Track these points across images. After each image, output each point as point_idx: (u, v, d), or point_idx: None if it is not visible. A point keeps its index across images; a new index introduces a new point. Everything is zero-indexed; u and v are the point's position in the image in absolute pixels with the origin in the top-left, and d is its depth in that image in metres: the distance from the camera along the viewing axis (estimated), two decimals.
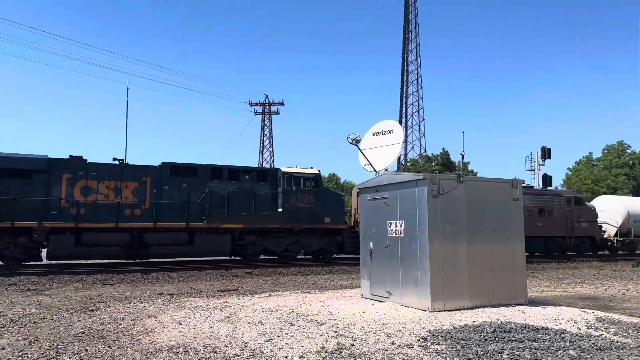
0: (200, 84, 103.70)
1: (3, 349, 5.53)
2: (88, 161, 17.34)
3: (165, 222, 17.63)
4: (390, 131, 10.18)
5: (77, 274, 14.62)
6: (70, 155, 17.30)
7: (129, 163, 18.17)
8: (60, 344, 5.77)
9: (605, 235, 27.43)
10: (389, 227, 8.60)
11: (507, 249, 8.53)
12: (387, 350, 5.45)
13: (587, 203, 27.56)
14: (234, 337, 6.06)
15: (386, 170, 9.92)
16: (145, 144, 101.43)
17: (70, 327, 6.82)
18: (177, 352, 5.38)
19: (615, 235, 27.64)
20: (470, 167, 44.32)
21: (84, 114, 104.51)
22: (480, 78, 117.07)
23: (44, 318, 7.50)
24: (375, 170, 10.06)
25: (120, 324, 7.00)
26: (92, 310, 8.30)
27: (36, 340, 5.98)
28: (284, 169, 20.02)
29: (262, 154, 57.90)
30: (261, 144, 58.24)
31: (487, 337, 5.89)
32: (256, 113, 58.14)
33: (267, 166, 55.29)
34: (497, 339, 5.85)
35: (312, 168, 20.71)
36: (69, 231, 16.36)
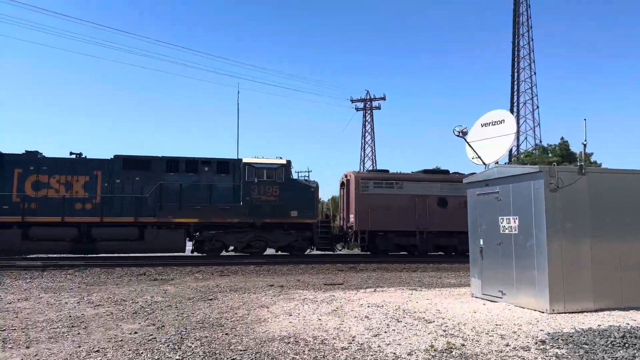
0: (300, 82, 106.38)
1: (135, 332, 6.13)
2: (43, 156, 17.53)
3: (114, 217, 17.20)
4: (501, 121, 9.64)
5: (197, 265, 15.76)
6: (25, 150, 17.52)
7: (86, 157, 18.00)
8: (184, 330, 6.27)
9: None
10: (501, 223, 8.17)
11: (638, 247, 7.70)
12: (501, 352, 5.19)
13: None
14: (342, 331, 6.15)
15: (496, 163, 9.42)
16: (256, 143, 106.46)
17: (192, 314, 7.38)
18: (289, 342, 5.58)
19: None
20: (593, 158, 40.55)
21: (202, 118, 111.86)
22: (604, 57, 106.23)
23: (169, 306, 8.20)
24: (484, 163, 9.59)
25: (236, 313, 7.44)
26: (211, 299, 8.90)
27: (163, 326, 6.55)
28: (245, 160, 18.66)
29: (364, 150, 57.93)
30: (362, 140, 58.30)
31: (614, 343, 5.37)
32: (357, 109, 58.30)
33: (368, 163, 55.06)
34: (626, 345, 5.32)
35: (280, 158, 18.95)
36: (15, 225, 16.45)
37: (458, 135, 9.68)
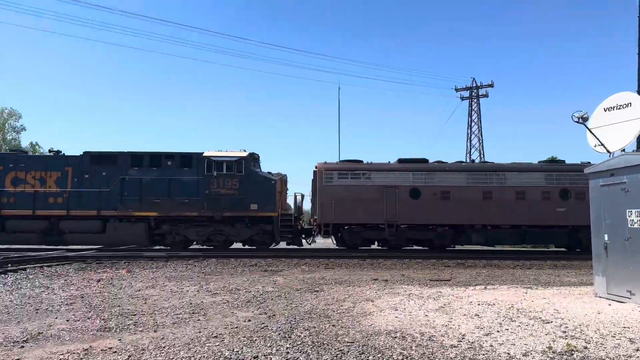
0: (402, 74, 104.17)
1: (249, 320, 6.47)
2: (22, 154, 18.79)
3: (79, 210, 18.03)
4: (628, 104, 8.69)
5: (303, 257, 16.21)
6: (9, 150, 18.27)
7: (62, 154, 19.10)
8: (293, 319, 6.49)
9: None
10: (629, 216, 7.41)
11: None
12: (630, 357, 4.71)
13: None
14: (450, 328, 5.98)
15: (623, 150, 8.53)
16: (358, 142, 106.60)
17: (300, 305, 7.62)
18: (395, 337, 5.55)
19: None
20: None
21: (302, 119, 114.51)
22: None
23: (279, 296, 8.54)
24: (608, 151, 8.73)
25: (341, 306, 7.55)
26: (317, 291, 9.11)
27: (274, 315, 6.84)
28: (205, 153, 18.47)
29: (470, 141, 55.54)
30: (469, 130, 55.94)
31: None
32: (462, 98, 56.00)
33: (475, 154, 52.74)
34: None
35: (244, 151, 18.61)
36: None
37: (577, 122, 8.93)
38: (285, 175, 19.58)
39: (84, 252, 16.79)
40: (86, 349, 5.03)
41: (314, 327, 6.04)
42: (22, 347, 5.19)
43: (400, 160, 19.29)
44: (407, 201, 18.35)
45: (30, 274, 11.68)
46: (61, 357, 4.77)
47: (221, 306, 7.54)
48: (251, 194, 18.18)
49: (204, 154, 18.46)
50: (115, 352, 4.92)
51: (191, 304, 7.75)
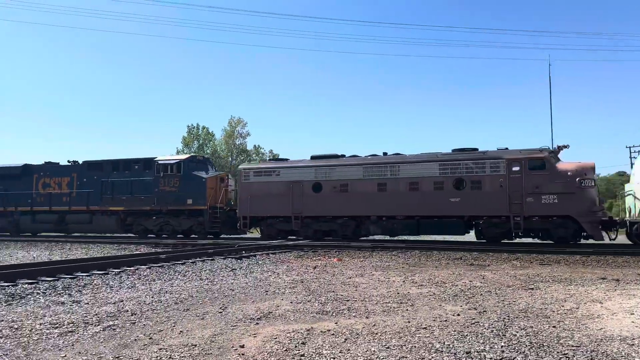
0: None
1: (458, 314, 6.32)
2: (49, 164, 25.75)
3: (76, 206, 24.19)
4: None
5: (513, 252, 15.16)
6: (45, 162, 25.85)
7: (74, 163, 25.02)
8: (506, 317, 6.12)
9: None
10: None
11: None
12: None
13: (559, 165, 17.23)
14: None
15: None
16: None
17: (513, 302, 7.15)
18: (632, 344, 4.81)
19: None
20: None
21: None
22: None
23: (488, 291, 8.14)
24: None
25: (562, 306, 6.85)
26: (532, 288, 8.42)
27: (484, 311, 6.54)
28: (157, 158, 22.89)
29: None
30: None
31: None
32: None
33: None
34: None
35: (188, 154, 22.97)
36: (29, 213, 25.36)
37: None
38: (226, 173, 25.08)
39: (300, 242, 18.59)
40: (308, 329, 5.47)
41: (531, 327, 5.59)
42: (257, 323, 5.83)
43: (312, 157, 21.11)
44: (310, 195, 20.19)
45: (260, 260, 13.30)
46: (288, 335, 5.25)
47: (427, 298, 7.54)
48: (188, 190, 22.21)
49: (155, 159, 23.03)
50: (333, 334, 5.28)
51: (398, 293, 7.92)
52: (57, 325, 5.78)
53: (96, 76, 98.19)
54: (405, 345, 4.84)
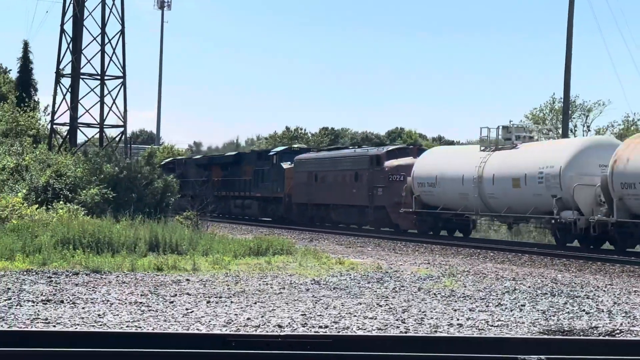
0: None
1: None
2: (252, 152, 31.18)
3: (236, 192, 28.78)
4: None
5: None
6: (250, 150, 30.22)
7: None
8: None
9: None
10: None
11: None
12: None
13: (386, 163, 20.48)
14: None
15: None
16: None
17: None
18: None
19: None
20: None
21: None
22: None
23: None
24: None
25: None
26: None
27: None
28: (272, 151, 28.72)
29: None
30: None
31: None
32: None
33: None
34: None
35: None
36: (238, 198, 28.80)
37: None
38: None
39: None
40: None
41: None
42: None
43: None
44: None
45: None
46: None
47: None
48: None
49: (270, 152, 27.58)
50: None
51: None
52: None
53: None
54: None
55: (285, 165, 24.60)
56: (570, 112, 27.42)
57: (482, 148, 17.90)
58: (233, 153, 31.89)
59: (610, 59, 70.22)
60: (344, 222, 22.52)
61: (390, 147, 22.16)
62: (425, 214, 18.88)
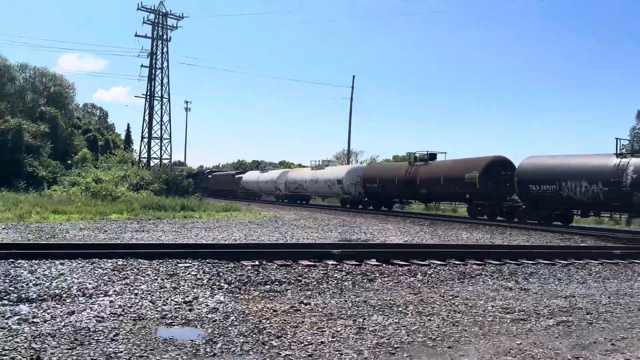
0: None
1: None
2: None
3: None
4: None
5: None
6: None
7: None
8: None
9: None
10: None
11: None
12: None
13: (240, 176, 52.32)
14: None
15: None
16: None
17: None
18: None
19: None
20: None
21: None
22: None
23: None
24: None
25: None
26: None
27: None
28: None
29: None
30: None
31: None
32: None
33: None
34: None
35: None
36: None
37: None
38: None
39: None
40: None
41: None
42: None
43: None
44: None
45: None
46: None
47: None
48: None
49: (205, 172, 59.62)
50: None
51: None
52: (508, 310, 5.84)
53: None
54: None
55: (210, 177, 57.95)
56: (349, 153, 54.83)
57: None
58: (197, 171, 66.20)
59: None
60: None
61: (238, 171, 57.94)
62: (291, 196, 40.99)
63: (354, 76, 60.81)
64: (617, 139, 18.38)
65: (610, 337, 4.92)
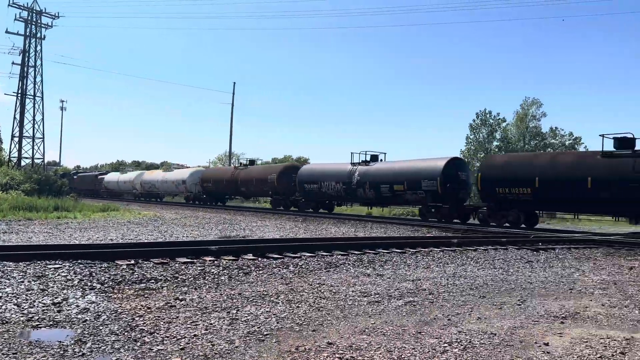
0: None
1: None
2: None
3: None
4: None
5: None
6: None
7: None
8: None
9: None
10: None
11: None
12: None
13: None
14: None
15: None
16: None
17: None
18: None
19: None
20: None
21: None
22: None
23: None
24: None
25: None
26: None
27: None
28: None
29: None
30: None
31: None
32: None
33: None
34: None
35: None
36: None
37: None
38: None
39: (611, 238, 15.15)
40: (627, 339, 4.72)
41: None
42: (562, 323, 5.29)
43: None
44: None
45: (560, 254, 11.74)
46: (601, 340, 4.63)
47: None
48: None
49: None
50: None
51: None
52: (365, 294, 6.40)
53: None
54: None
55: (76, 178, 57.77)
56: (231, 155, 57.75)
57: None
58: (64, 172, 62.78)
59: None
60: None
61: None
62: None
63: (234, 83, 64.60)
64: (353, 153, 27.13)
65: (448, 313, 5.57)
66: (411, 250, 10.97)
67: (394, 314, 5.45)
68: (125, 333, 4.47)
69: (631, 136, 16.92)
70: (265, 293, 6.34)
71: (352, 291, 6.63)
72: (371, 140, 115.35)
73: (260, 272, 7.83)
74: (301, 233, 15.53)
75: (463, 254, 11.00)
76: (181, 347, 4.13)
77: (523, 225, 19.47)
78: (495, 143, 49.42)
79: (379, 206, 26.88)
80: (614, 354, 4.26)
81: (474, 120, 51.27)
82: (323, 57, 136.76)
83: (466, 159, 38.13)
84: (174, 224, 17.85)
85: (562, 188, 17.72)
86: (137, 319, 4.96)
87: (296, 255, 9.32)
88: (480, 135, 50.61)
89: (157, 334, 4.47)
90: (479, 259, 10.40)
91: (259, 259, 8.76)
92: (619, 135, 17.09)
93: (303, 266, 8.47)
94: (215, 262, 8.28)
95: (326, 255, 9.55)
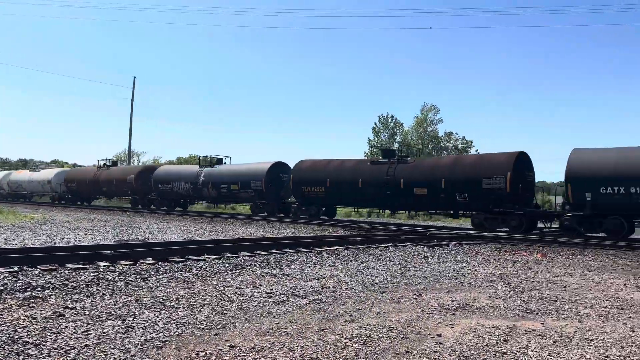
0: None
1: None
2: None
3: None
4: None
5: None
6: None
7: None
8: None
9: None
10: None
11: None
12: None
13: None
14: None
15: None
16: None
17: None
18: None
19: None
20: None
21: None
22: None
23: None
24: None
25: None
26: None
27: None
28: None
29: None
30: None
31: None
32: None
33: None
34: None
35: None
36: None
37: None
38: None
39: (498, 235, 16.64)
40: (510, 327, 5.06)
41: None
42: (454, 314, 5.59)
43: None
44: None
45: (452, 250, 12.58)
46: (488, 330, 4.92)
47: None
48: None
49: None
50: (540, 335, 4.79)
51: (618, 298, 6.90)
52: (271, 294, 6.45)
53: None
54: (628, 357, 4.22)
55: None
56: (130, 154, 57.02)
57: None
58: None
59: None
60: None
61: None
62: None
63: (134, 77, 61.59)
64: (200, 157, 32.46)
65: (350, 309, 5.72)
66: (317, 249, 11.27)
67: (298, 313, 5.52)
68: (6, 347, 4.10)
69: (395, 149, 24.58)
70: (166, 298, 6.13)
71: (258, 292, 6.63)
72: (283, 143, 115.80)
73: (161, 276, 7.55)
74: (206, 235, 15.34)
75: (366, 252, 11.44)
76: (70, 358, 3.88)
77: (324, 217, 24.41)
78: (396, 145, 51.77)
79: (221, 203, 32.30)
80: (499, 341, 4.54)
81: (375, 124, 54.99)
82: (226, 57, 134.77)
83: None
84: (64, 227, 16.66)
85: (345, 187, 22.36)
86: (20, 330, 4.57)
87: (200, 257, 9.15)
88: (382, 137, 54.03)
89: (43, 345, 4.16)
90: (380, 256, 10.83)
91: (160, 262, 8.50)
92: (386, 148, 23.71)
93: (207, 269, 8.30)
94: (111, 267, 7.88)
95: (232, 257, 9.48)
